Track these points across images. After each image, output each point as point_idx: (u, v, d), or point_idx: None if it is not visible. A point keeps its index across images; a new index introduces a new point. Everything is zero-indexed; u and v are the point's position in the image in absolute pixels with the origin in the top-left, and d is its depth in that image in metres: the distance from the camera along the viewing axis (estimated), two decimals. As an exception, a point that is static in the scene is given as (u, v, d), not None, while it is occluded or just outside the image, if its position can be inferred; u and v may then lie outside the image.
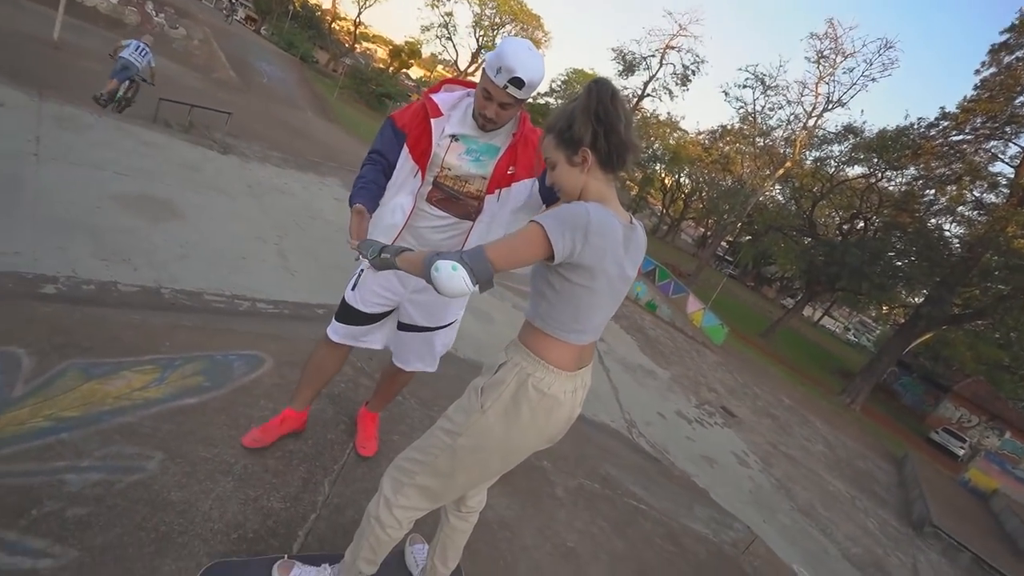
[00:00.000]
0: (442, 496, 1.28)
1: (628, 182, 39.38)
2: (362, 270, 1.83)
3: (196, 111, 7.42)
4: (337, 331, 1.88)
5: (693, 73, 28.11)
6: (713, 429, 7.42)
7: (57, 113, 5.17)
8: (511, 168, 1.61)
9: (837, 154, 22.77)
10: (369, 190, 1.62)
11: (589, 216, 1.08)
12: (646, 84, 29.89)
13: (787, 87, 23.78)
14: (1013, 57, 16.31)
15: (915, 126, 19.42)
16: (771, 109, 23.77)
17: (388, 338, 1.95)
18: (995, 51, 16.70)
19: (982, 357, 19.14)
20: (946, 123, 18.16)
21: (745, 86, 24.16)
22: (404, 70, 39.09)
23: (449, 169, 1.63)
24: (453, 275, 1.04)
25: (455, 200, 1.67)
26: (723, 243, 37.48)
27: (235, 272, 4.24)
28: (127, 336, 2.47)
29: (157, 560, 1.39)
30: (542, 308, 1.17)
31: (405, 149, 1.63)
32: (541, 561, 2.11)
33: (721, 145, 28.18)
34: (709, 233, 39.93)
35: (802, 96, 22.93)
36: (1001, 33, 16.53)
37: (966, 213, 19.01)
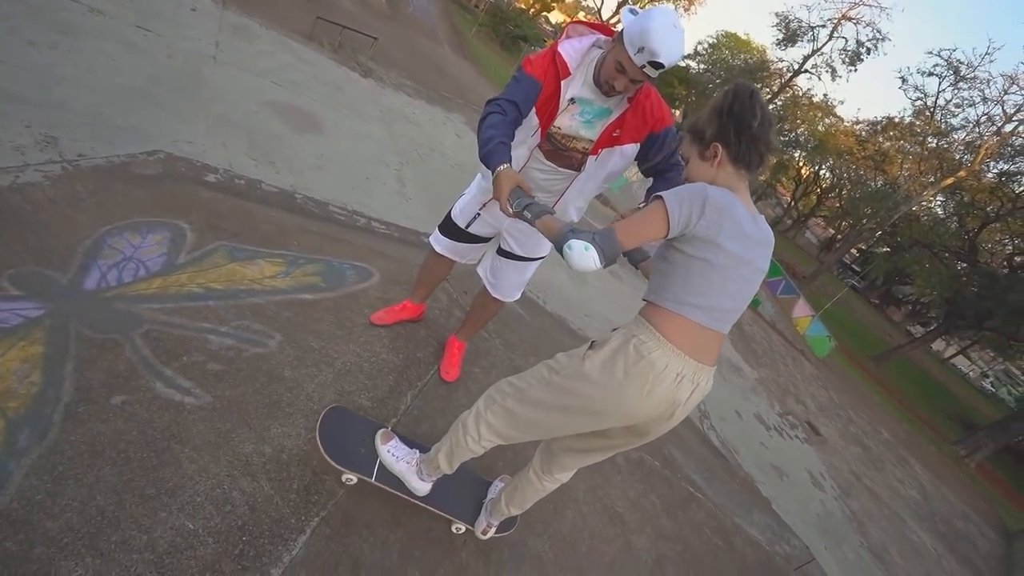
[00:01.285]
0: (520, 429, 1.34)
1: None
2: (468, 194, 2.01)
3: (346, 33, 7.86)
4: (440, 242, 2.10)
5: (868, 52, 24.17)
6: (792, 442, 6.96)
7: (235, 22, 5.75)
8: (617, 131, 1.62)
9: (1033, 171, 18.82)
10: (506, 147, 1.52)
11: (707, 192, 1.11)
12: (806, 58, 26.36)
13: (989, 81, 19.33)
14: None
15: None
16: (958, 105, 19.84)
17: (485, 265, 2.11)
18: None
19: None
20: None
21: (931, 74, 20.21)
22: (545, 13, 37.96)
23: (559, 128, 1.65)
24: (585, 254, 1.09)
25: (561, 153, 1.71)
26: (853, 250, 33.38)
27: (358, 190, 4.59)
28: (265, 229, 2.81)
29: (268, 421, 1.65)
30: (655, 281, 1.20)
31: (533, 110, 1.64)
32: (589, 517, 2.19)
33: (881, 140, 24.41)
34: (839, 236, 35.67)
35: (1005, 94, 18.88)
36: None
37: None
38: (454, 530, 1.72)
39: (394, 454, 1.60)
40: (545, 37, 34.36)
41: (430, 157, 6.29)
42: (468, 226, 1.98)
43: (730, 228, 1.11)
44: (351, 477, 1.62)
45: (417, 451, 1.63)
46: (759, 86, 30.62)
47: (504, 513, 1.63)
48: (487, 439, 1.39)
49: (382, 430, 1.68)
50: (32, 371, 1.53)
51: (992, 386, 38.62)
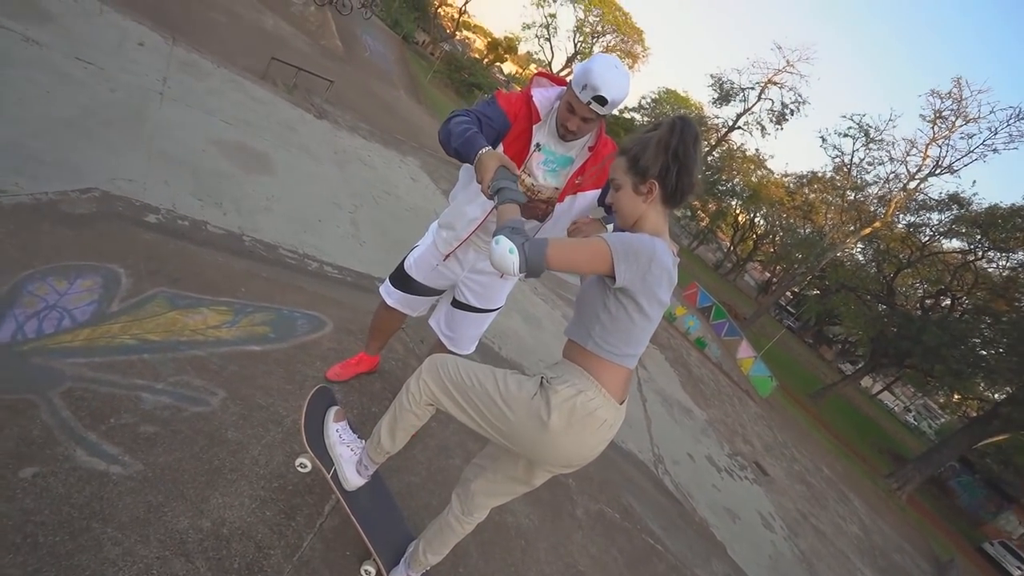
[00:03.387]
0: (451, 407, 1.33)
1: (700, 212, 38.17)
2: (422, 245, 1.98)
3: (302, 75, 7.87)
4: (391, 294, 2.04)
5: (792, 112, 26.84)
6: (742, 483, 7.09)
7: (185, 58, 5.62)
8: (579, 179, 1.67)
9: (935, 223, 21.04)
10: (480, 135, 1.51)
11: (655, 251, 1.12)
12: (739, 116, 28.83)
13: (893, 143, 21.79)
14: None
15: (1032, 208, 17.66)
16: (870, 163, 22.21)
17: (438, 318, 2.07)
18: None
19: (1062, 474, 17.20)
20: (1070, 211, 16.41)
21: (846, 135, 22.68)
22: (498, 63, 39.65)
23: (528, 175, 1.69)
24: (506, 256, 1.08)
25: (527, 207, 1.73)
26: (788, 293, 35.61)
27: (310, 232, 4.46)
28: (210, 274, 2.66)
29: (207, 491, 1.50)
30: (596, 332, 1.18)
31: (502, 145, 1.67)
32: (550, 578, 2.10)
33: (807, 192, 26.73)
34: (775, 280, 38.09)
35: (908, 155, 21.30)
36: None
37: (1075, 313, 17.09)
38: (363, 572, 1.59)
39: (340, 435, 1.56)
40: (498, 86, 35.77)
41: (385, 200, 6.25)
42: (422, 279, 1.94)
43: (666, 282, 1.16)
44: (305, 463, 1.58)
45: (362, 443, 1.56)
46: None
47: (422, 564, 1.53)
48: (426, 403, 1.37)
49: (336, 408, 1.64)
50: (-76, 441, 1.33)
51: (915, 419, 41.44)
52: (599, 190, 1.69)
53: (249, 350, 2.18)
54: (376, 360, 2.37)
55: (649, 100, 36.81)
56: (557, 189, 1.70)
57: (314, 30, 14.28)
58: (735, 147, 31.45)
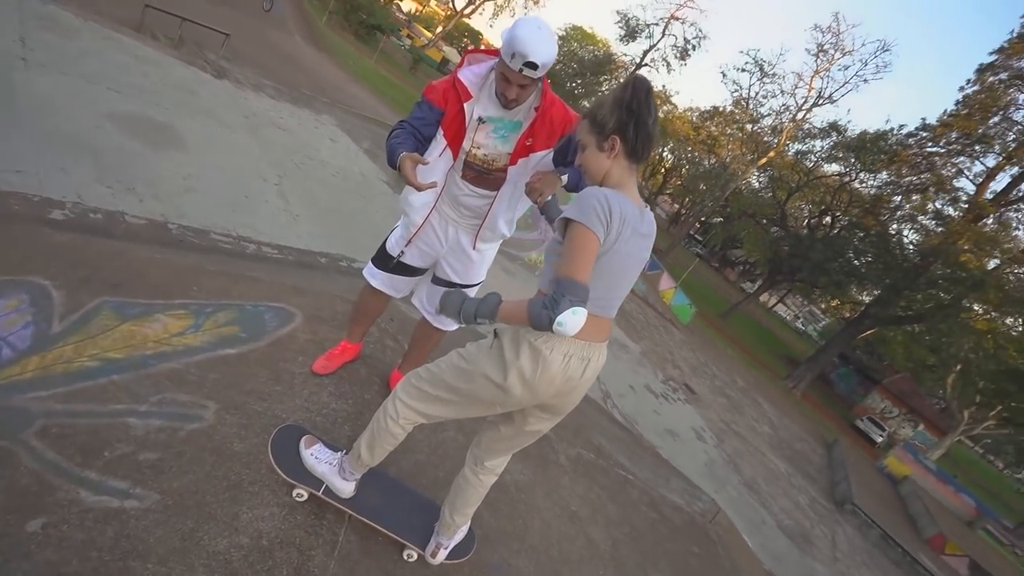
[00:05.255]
0: (434, 408, 1.42)
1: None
2: (400, 226, 1.98)
3: (187, 25, 6.87)
4: (375, 276, 2.04)
5: (693, 48, 27.67)
6: (676, 404, 7.91)
7: (41, 12, 4.73)
8: (529, 140, 1.72)
9: (818, 149, 23.33)
10: (409, 141, 1.64)
11: (609, 201, 1.19)
12: (645, 53, 29.27)
13: (783, 77, 23.63)
14: (996, 78, 16.89)
15: (894, 132, 20.06)
16: (764, 97, 23.90)
17: (420, 296, 2.11)
18: (982, 70, 17.23)
19: (913, 356, 20.71)
20: (924, 134, 18.84)
21: (743, 70, 24.05)
22: (396, 1, 36.74)
23: (478, 148, 1.74)
24: (576, 316, 1.11)
25: (486, 176, 1.79)
26: (695, 223, 38.18)
27: (239, 211, 4.15)
28: (153, 275, 2.44)
29: (234, 507, 1.48)
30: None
31: (440, 130, 1.70)
32: (551, 521, 2.32)
33: (710, 126, 28.28)
34: (684, 211, 40.57)
35: (796, 88, 23.13)
36: (990, 54, 17.03)
37: (925, 222, 20.07)
38: (405, 556, 1.69)
39: (316, 456, 1.62)
40: (400, 26, 33.31)
41: (309, 166, 5.86)
42: (402, 256, 1.95)
43: (626, 233, 1.22)
44: (302, 492, 1.63)
45: (340, 453, 1.64)
46: (606, 78, 33.45)
47: (450, 526, 1.64)
48: (405, 417, 1.45)
49: (306, 435, 1.71)
50: (-101, 512, 1.20)
51: (802, 325, 47.36)
52: (551, 149, 1.74)
53: (224, 354, 2.08)
54: (359, 347, 2.35)
55: (557, 39, 36.12)
56: (511, 154, 1.75)
57: (182, -34, 12.33)
58: (642, 85, 32.08)
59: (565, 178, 1.71)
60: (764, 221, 24.98)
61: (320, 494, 1.60)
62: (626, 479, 3.14)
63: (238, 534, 1.42)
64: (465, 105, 1.66)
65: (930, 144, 18.75)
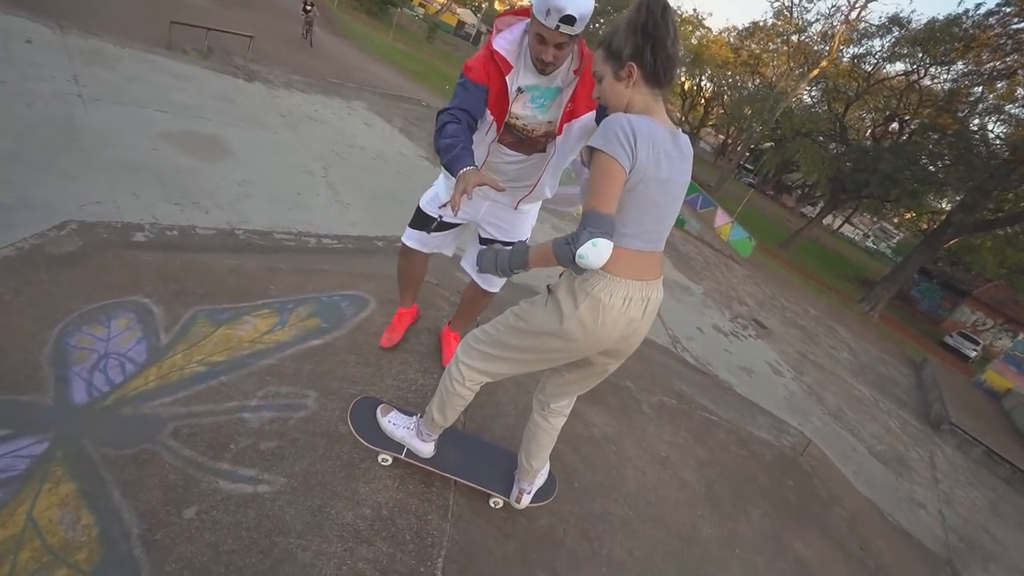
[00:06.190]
0: (498, 366, 1.44)
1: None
2: (435, 186, 2.01)
3: (212, 34, 7.03)
4: (411, 237, 2.07)
5: (722, -41, 25.28)
6: (747, 341, 7.69)
7: (84, 47, 4.96)
8: (571, 105, 1.65)
9: (878, 50, 21.00)
10: (468, 152, 1.53)
11: (632, 126, 1.12)
12: (669, -26, 27.13)
13: (830, -27, 21.24)
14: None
15: (969, 15, 17.65)
16: (809, 1, 21.59)
17: (468, 260, 2.14)
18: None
19: (1006, 261, 18.89)
20: (1008, 9, 16.45)
21: (785, -26, 21.79)
22: (403, -29, 35.78)
23: (517, 119, 1.69)
24: (597, 247, 1.08)
25: (526, 140, 1.75)
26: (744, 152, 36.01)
27: (295, 208, 4.30)
28: (232, 280, 2.59)
29: (352, 483, 1.60)
30: None
31: (489, 114, 1.66)
32: (645, 470, 2.35)
33: (750, 44, 26.04)
34: (730, 141, 38.24)
35: (847, -17, 20.73)
36: None
37: (1014, 112, 17.82)
38: (492, 504, 1.77)
39: (394, 423, 1.72)
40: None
41: (349, 154, 5.96)
42: (439, 215, 1.94)
43: (655, 156, 1.14)
44: (386, 457, 1.73)
45: (415, 417, 1.72)
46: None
47: (528, 471, 1.67)
48: (471, 379, 1.48)
49: (382, 404, 1.80)
50: (78, 512, 1.37)
51: (873, 243, 44.26)
52: (592, 112, 1.67)
53: (312, 345, 2.20)
54: (415, 308, 2.44)
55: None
56: (551, 122, 1.70)
57: (196, -24, 12.53)
58: (670, 11, 29.84)
59: None
60: (821, 138, 23.09)
61: (403, 456, 1.70)
62: (710, 420, 3.11)
63: (360, 506, 1.53)
64: (507, 78, 1.60)
65: (1016, 20, 16.40)
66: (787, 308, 11.34)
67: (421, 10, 31.34)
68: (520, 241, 1.31)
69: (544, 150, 1.78)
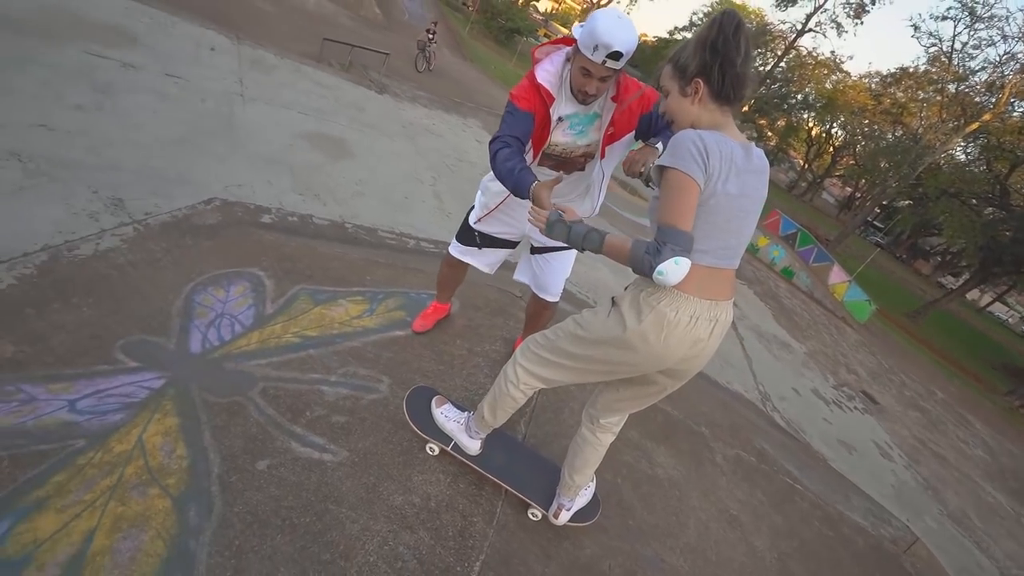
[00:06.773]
0: (555, 373, 1.42)
1: (768, 132, 35.19)
2: (478, 205, 2.06)
3: (355, 51, 7.88)
4: (456, 248, 2.16)
5: (873, 2, 23.53)
6: (852, 414, 6.85)
7: (251, 56, 5.78)
8: (611, 129, 1.69)
9: (1059, 103, 18.10)
10: (529, 171, 1.56)
11: (704, 141, 1.09)
12: (809, 16, 25.66)
13: (1007, 17, 18.63)
14: None
15: None
16: (976, 47, 19.18)
17: (526, 273, 2.17)
18: None
19: None
20: None
21: (945, 17, 19.58)
22: (534, 2, 37.61)
23: (556, 144, 1.74)
24: (678, 266, 1.07)
25: (564, 162, 1.80)
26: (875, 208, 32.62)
27: (400, 211, 4.59)
28: (335, 267, 2.82)
29: (407, 470, 1.65)
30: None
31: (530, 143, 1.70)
32: (709, 524, 2.16)
33: (895, 91, 23.71)
34: (859, 195, 34.90)
35: (1024, 28, 18.16)
36: None
37: None
38: (530, 515, 1.73)
39: (446, 415, 1.75)
40: (537, 26, 34.04)
41: (459, 167, 6.28)
42: (486, 229, 2.04)
43: (726, 170, 1.11)
44: (434, 447, 1.76)
45: (467, 413, 1.73)
46: (760, 51, 30.02)
47: (570, 486, 1.62)
48: (525, 382, 1.47)
49: (436, 395, 1.84)
50: (176, 444, 1.55)
51: (1032, 329, 37.54)
52: (632, 132, 1.72)
53: (394, 336, 2.32)
54: (448, 306, 2.55)
55: (701, 16, 33.68)
56: (589, 145, 1.75)
57: (353, 2, 14.14)
58: (805, 52, 28.20)
59: (660, 146, 1.62)
60: (974, 201, 20.20)
61: (449, 449, 1.73)
62: (793, 488, 2.79)
63: (411, 493, 1.57)
64: (551, 109, 1.66)
65: None
66: (907, 386, 9.95)
67: (545, 39, 32.62)
68: (598, 229, 1.30)
69: (583, 168, 1.84)
